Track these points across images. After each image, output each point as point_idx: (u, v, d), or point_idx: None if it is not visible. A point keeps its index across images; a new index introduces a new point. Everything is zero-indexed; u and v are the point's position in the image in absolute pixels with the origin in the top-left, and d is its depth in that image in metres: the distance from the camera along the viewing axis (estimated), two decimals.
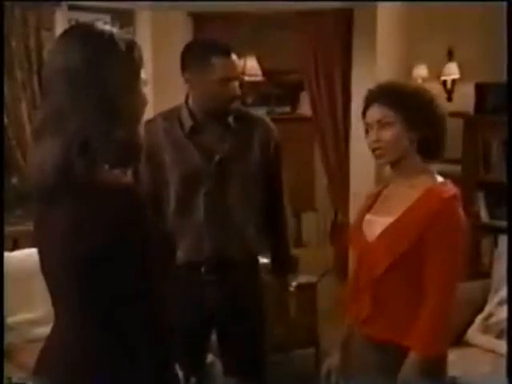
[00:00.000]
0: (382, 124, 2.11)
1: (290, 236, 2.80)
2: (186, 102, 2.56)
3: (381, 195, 2.26)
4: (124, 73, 1.48)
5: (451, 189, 2.11)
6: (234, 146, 2.52)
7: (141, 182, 2.49)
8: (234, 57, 2.49)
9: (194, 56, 2.49)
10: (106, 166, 1.46)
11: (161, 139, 2.51)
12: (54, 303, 1.57)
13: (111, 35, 1.48)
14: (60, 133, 1.43)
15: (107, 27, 1.51)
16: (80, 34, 1.49)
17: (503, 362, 2.76)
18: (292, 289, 2.76)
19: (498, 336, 3.39)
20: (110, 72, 1.45)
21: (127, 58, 1.49)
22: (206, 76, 2.45)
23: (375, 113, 2.13)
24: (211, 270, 2.52)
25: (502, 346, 3.16)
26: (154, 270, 1.48)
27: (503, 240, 3.88)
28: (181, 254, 2.51)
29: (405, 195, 2.12)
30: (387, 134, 2.11)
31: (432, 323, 2.04)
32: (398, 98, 2.11)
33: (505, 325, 3.22)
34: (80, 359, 1.49)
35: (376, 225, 2.14)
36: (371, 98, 2.16)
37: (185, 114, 2.53)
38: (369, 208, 2.24)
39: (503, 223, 4.35)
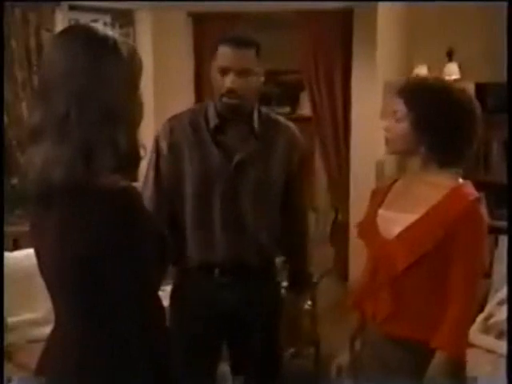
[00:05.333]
0: (395, 116, 2.13)
1: (310, 251, 2.70)
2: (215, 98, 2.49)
3: (391, 190, 2.24)
4: (126, 79, 1.48)
5: (474, 190, 2.10)
6: (255, 149, 2.47)
7: (162, 178, 2.48)
8: (242, 50, 2.36)
9: (216, 44, 2.44)
10: (106, 170, 1.46)
11: (186, 135, 2.47)
12: (54, 304, 1.57)
13: (115, 41, 1.48)
14: (63, 139, 1.43)
15: (110, 32, 1.51)
16: (83, 37, 1.47)
17: (503, 362, 2.76)
18: (307, 306, 2.70)
19: (498, 336, 3.38)
20: (113, 78, 1.45)
21: (129, 64, 1.50)
22: (214, 63, 2.41)
23: (394, 104, 2.14)
24: (224, 272, 2.48)
25: (502, 346, 3.15)
26: (149, 272, 1.48)
27: (503, 240, 3.88)
28: (194, 254, 2.49)
29: (425, 193, 2.09)
30: (396, 128, 2.12)
31: (460, 323, 2.04)
32: (416, 98, 2.09)
33: (505, 325, 3.21)
34: (80, 359, 1.49)
35: (394, 221, 2.12)
36: (398, 89, 2.16)
37: (212, 111, 2.48)
38: (380, 203, 2.22)
39: (503, 224, 4.35)
